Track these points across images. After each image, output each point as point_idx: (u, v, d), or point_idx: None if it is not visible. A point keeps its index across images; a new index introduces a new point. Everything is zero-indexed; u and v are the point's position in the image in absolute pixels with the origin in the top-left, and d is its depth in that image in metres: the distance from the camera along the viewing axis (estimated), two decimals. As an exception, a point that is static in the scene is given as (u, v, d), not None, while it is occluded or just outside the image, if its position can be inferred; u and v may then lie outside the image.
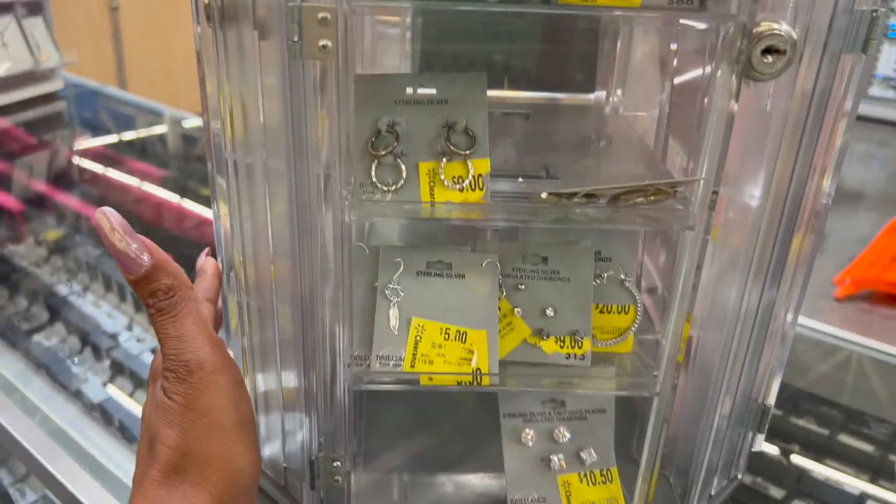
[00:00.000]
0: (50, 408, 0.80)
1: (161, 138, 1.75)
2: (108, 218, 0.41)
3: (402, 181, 0.46)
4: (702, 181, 0.44)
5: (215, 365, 0.42)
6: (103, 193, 1.46)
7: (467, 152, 0.46)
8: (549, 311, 0.51)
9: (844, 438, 0.83)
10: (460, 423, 0.64)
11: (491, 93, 0.67)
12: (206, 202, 1.38)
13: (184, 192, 1.43)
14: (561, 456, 0.54)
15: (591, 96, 0.68)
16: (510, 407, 0.54)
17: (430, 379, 0.48)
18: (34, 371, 0.91)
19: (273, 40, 0.42)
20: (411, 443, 0.62)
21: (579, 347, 0.51)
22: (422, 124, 0.47)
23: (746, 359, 0.53)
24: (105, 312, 1.15)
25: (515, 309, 0.51)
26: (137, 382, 1.02)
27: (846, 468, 0.78)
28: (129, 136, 1.75)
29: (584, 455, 0.54)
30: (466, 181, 0.46)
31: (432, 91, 0.47)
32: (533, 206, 0.45)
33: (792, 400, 0.87)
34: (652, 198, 0.44)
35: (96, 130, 1.76)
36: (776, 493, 0.73)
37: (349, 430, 0.50)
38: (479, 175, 0.46)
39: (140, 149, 1.68)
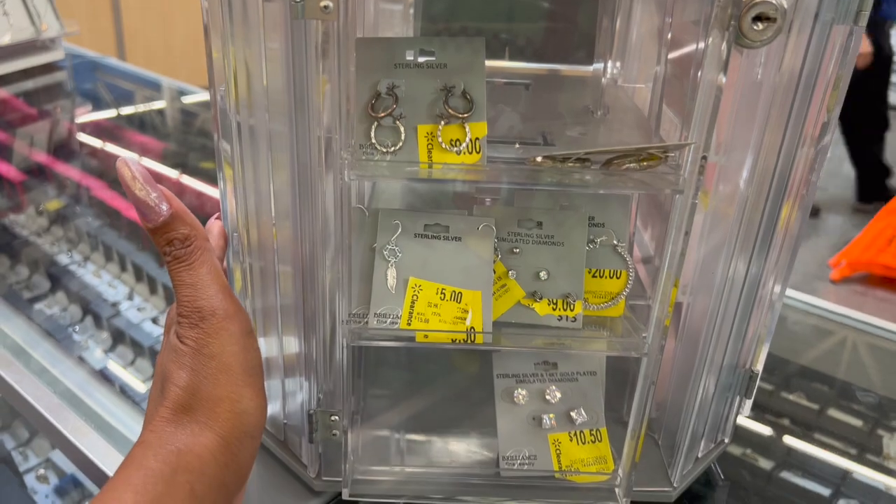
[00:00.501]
0: (57, 370, 0.81)
1: (161, 111, 1.75)
2: (129, 167, 0.43)
3: (400, 143, 0.47)
4: (691, 146, 0.45)
5: (227, 312, 0.43)
6: (103, 164, 1.46)
7: (465, 116, 0.47)
8: (543, 275, 0.53)
9: (834, 413, 0.85)
10: (456, 385, 0.66)
11: (493, 63, 0.68)
12: (205, 175, 1.38)
13: (184, 165, 1.44)
14: (552, 415, 0.55)
15: (590, 68, 0.69)
16: (503, 368, 0.55)
17: (426, 336, 0.49)
18: (40, 335, 0.92)
19: (276, 2, 0.42)
20: (408, 403, 0.64)
21: (571, 310, 0.52)
22: (421, 87, 0.47)
23: (734, 326, 0.54)
24: (106, 282, 1.16)
25: (510, 272, 0.53)
26: (138, 351, 1.03)
27: (835, 442, 0.80)
28: (130, 108, 1.75)
29: (574, 415, 0.55)
30: (464, 144, 0.47)
31: (432, 55, 0.47)
32: (528, 170, 0.46)
33: (783, 375, 0.89)
34: (644, 163, 0.45)
35: (97, 101, 1.75)
36: (765, 464, 0.75)
37: (347, 386, 0.51)
38: (477, 138, 0.47)
39: (141, 121, 1.68)
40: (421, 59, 0.47)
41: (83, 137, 1.57)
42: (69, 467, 1.02)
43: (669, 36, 0.58)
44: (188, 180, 1.37)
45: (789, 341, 0.96)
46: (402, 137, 0.47)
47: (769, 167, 0.49)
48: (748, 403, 0.62)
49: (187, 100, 1.75)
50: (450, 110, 0.47)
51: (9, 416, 1.06)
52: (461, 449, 0.59)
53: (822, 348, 0.97)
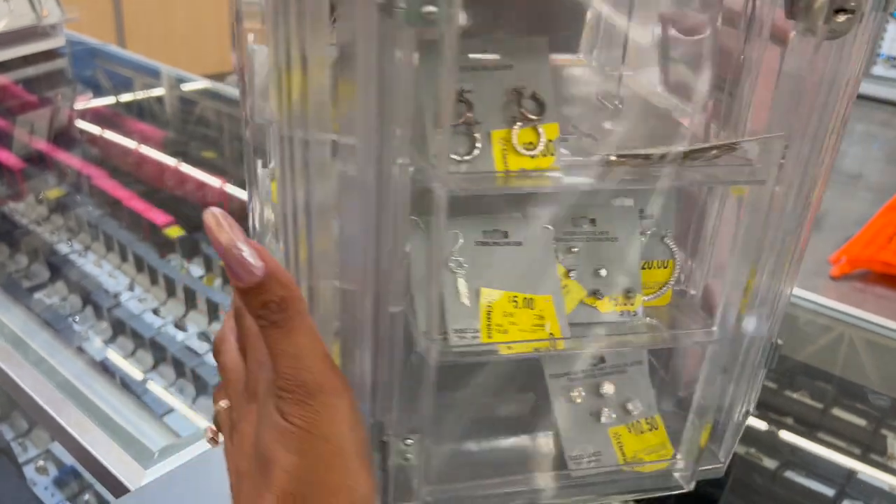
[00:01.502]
0: (56, 360, 0.80)
1: (162, 99, 1.74)
2: (219, 219, 0.38)
3: (477, 151, 0.44)
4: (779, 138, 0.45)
5: (335, 387, 0.39)
6: (104, 153, 1.45)
7: (538, 118, 0.45)
8: (603, 272, 0.52)
9: (833, 410, 0.85)
10: (500, 389, 0.64)
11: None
12: (207, 164, 1.38)
13: (184, 154, 1.43)
14: (610, 409, 0.55)
15: (577, 56, 0.67)
16: (555, 368, 0.54)
17: (509, 348, 0.47)
18: (39, 325, 0.91)
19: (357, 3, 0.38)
20: (451, 411, 0.62)
21: (632, 304, 0.52)
22: (490, 91, 0.45)
23: (770, 303, 0.54)
24: (106, 272, 1.16)
25: (570, 271, 0.52)
26: (139, 342, 1.03)
27: (834, 439, 0.80)
28: (132, 96, 1.74)
29: (630, 406, 0.55)
30: (539, 147, 0.45)
31: (497, 56, 0.45)
32: (605, 170, 0.45)
33: (782, 371, 0.88)
34: (714, 151, 0.45)
35: (97, 89, 1.74)
36: (769, 464, 0.75)
37: (430, 408, 0.49)
38: (549, 140, 0.45)
39: (141, 109, 1.67)
40: (488, 62, 0.45)
41: (83, 125, 1.56)
42: (68, 459, 1.01)
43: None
44: (190, 170, 1.36)
45: (789, 337, 0.95)
46: (479, 144, 0.44)
47: (803, 157, 0.48)
48: (764, 372, 0.63)
49: (188, 87, 1.74)
50: (525, 113, 0.45)
51: (8, 407, 1.05)
52: (523, 455, 0.57)
53: (821, 345, 0.96)
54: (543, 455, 0.57)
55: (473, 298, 0.48)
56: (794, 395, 0.86)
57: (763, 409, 0.82)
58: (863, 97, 4.35)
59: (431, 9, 0.36)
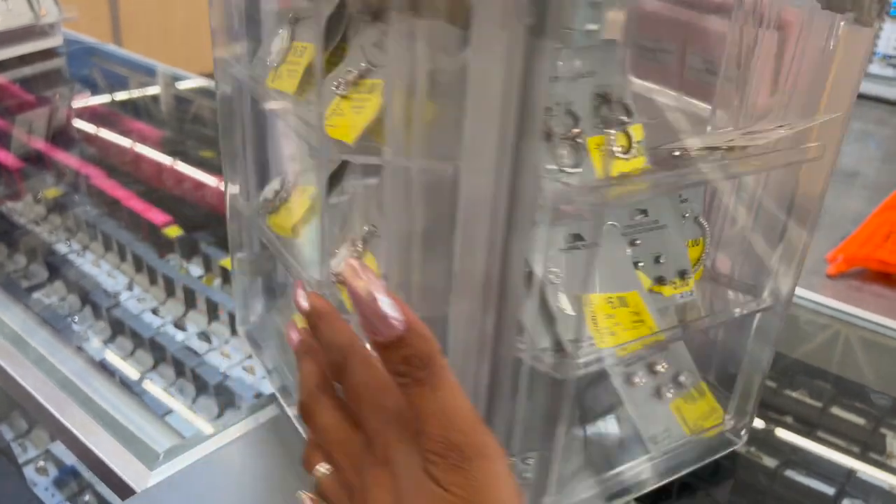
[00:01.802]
0: (56, 359, 0.80)
1: (164, 98, 1.73)
2: (357, 269, 0.35)
3: (581, 161, 0.43)
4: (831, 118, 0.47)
5: (491, 450, 0.36)
6: (102, 152, 1.45)
7: (628, 121, 0.45)
8: (662, 259, 0.54)
9: (830, 408, 0.85)
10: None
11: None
12: (207, 164, 1.37)
13: (183, 153, 1.43)
14: (667, 386, 0.57)
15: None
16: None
17: (624, 349, 0.48)
18: (39, 325, 0.91)
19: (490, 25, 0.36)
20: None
21: (686, 285, 0.54)
22: (579, 99, 0.45)
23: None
24: (105, 272, 1.15)
25: (637, 263, 0.53)
26: (138, 342, 1.02)
27: (832, 437, 0.80)
28: (130, 95, 1.73)
29: (682, 379, 0.57)
30: (632, 150, 0.45)
31: (580, 63, 0.45)
32: (691, 167, 0.45)
33: (778, 369, 0.89)
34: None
35: (94, 88, 1.73)
36: (769, 462, 0.75)
37: (562, 423, 0.48)
38: (639, 142, 0.46)
39: (139, 108, 1.66)
40: (575, 69, 0.44)
41: (81, 125, 1.55)
42: (69, 459, 1.01)
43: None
44: (189, 169, 1.36)
45: (786, 336, 0.95)
46: (584, 155, 0.44)
47: (833, 136, 0.50)
48: None
49: (186, 86, 1.74)
50: (617, 118, 0.45)
51: (7, 407, 1.05)
52: (608, 447, 0.58)
53: (818, 343, 0.96)
54: (623, 443, 0.58)
55: (577, 307, 0.47)
56: (793, 394, 0.86)
57: (762, 408, 0.82)
58: (859, 95, 4.36)
59: (594, 27, 0.36)
